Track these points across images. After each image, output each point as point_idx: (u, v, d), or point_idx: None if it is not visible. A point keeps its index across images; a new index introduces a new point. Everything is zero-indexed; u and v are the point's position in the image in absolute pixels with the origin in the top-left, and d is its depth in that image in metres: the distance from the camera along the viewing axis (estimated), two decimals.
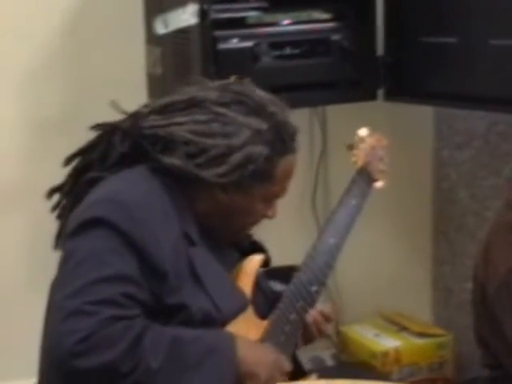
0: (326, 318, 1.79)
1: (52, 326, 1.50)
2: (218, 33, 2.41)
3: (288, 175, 1.69)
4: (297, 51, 2.53)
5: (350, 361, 3.03)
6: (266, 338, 1.67)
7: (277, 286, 1.77)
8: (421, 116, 3.05)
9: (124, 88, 2.47)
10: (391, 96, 2.70)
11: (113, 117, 1.69)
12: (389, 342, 2.96)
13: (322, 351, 3.02)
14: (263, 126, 1.63)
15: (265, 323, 1.68)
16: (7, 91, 2.69)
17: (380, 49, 2.68)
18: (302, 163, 2.90)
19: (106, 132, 1.68)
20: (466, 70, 2.45)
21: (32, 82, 2.71)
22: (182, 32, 2.48)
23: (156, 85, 2.65)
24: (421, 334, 3.01)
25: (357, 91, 2.63)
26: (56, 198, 1.73)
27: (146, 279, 1.50)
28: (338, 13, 2.59)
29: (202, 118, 1.63)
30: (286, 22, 2.54)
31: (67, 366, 1.43)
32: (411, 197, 3.14)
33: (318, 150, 3.00)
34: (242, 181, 1.62)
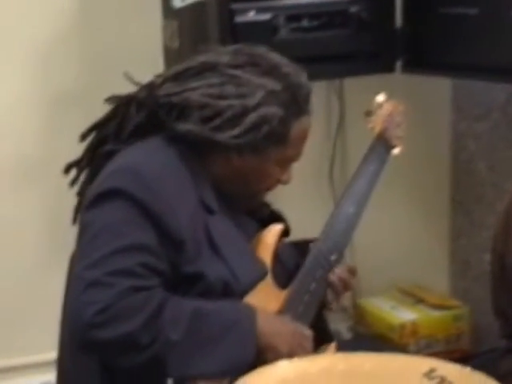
0: (352, 272, 1.77)
1: (72, 297, 1.51)
2: (235, 5, 2.39)
3: (302, 137, 1.68)
4: (314, 23, 2.51)
5: (367, 333, 3.03)
6: (285, 308, 1.67)
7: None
8: (439, 88, 3.03)
9: (141, 62, 2.46)
10: (409, 68, 2.67)
11: (129, 91, 1.69)
12: (406, 315, 2.96)
13: (339, 324, 3.02)
14: (277, 86, 1.62)
15: (284, 293, 1.68)
16: (22, 67, 2.69)
17: (398, 20, 2.65)
18: (319, 136, 2.96)
19: (122, 104, 1.68)
20: (485, 41, 2.41)
21: (48, 56, 2.70)
22: (199, 5, 2.47)
23: (173, 58, 2.64)
24: (437, 306, 3.01)
25: (374, 63, 2.60)
26: (73, 173, 1.73)
27: (163, 249, 1.50)
28: None
29: (216, 81, 1.62)
30: None
31: (86, 336, 1.44)
32: (429, 169, 3.12)
33: (336, 123, 2.99)
34: (256, 143, 1.61)
